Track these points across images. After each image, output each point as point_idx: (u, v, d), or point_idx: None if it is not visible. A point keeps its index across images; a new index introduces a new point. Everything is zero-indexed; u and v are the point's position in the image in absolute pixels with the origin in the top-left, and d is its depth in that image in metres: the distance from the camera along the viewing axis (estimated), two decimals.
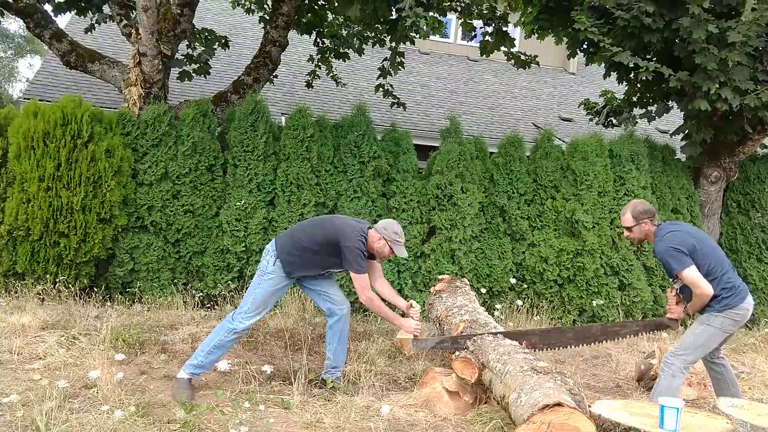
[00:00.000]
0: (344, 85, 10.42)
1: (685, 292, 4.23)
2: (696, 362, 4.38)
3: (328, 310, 4.57)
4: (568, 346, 4.74)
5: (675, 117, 11.43)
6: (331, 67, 9.80)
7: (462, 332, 4.58)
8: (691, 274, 4.01)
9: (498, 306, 6.89)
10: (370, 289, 4.34)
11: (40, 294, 6.00)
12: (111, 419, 3.63)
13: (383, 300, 4.48)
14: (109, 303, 6.29)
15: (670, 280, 4.30)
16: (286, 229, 6.43)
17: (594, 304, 7.12)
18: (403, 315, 4.60)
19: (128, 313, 5.94)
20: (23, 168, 6.07)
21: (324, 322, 6.14)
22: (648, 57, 7.77)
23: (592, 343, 4.79)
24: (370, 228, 4.39)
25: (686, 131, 8.12)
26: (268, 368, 4.46)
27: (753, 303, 4.15)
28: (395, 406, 4.20)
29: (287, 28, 8.04)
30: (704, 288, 4.01)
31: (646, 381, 5.22)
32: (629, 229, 4.29)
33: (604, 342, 4.75)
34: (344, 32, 9.34)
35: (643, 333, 4.80)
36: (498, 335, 4.35)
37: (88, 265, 6.28)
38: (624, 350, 6.17)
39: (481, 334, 4.38)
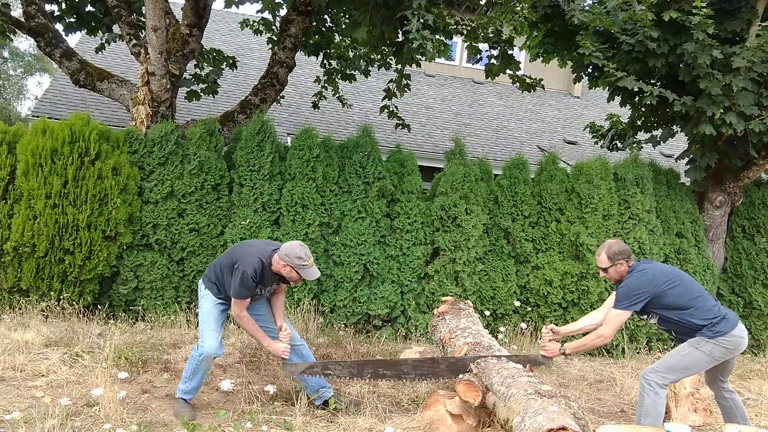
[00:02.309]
0: (350, 106, 10.49)
1: (664, 323, 4.19)
2: (676, 382, 4.35)
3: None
4: (441, 378, 4.64)
5: (679, 141, 11.46)
6: (338, 88, 9.88)
7: (466, 354, 4.56)
8: (617, 318, 4.05)
9: (502, 329, 6.87)
10: (245, 311, 4.19)
11: (44, 311, 6.01)
12: None
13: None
14: (112, 321, 6.28)
15: (642, 317, 4.27)
16: None
17: None
18: None
19: (131, 331, 5.94)
20: (31, 185, 6.11)
21: (326, 342, 6.14)
22: (652, 81, 7.82)
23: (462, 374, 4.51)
24: (276, 251, 4.21)
25: (691, 155, 8.14)
26: (271, 388, 4.44)
27: (746, 332, 4.11)
28: (398, 429, 4.17)
29: (295, 49, 8.11)
30: (607, 334, 4.05)
31: None
32: (605, 270, 4.25)
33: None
34: (351, 54, 9.42)
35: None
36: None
37: (92, 282, 6.29)
38: (628, 374, 6.13)
39: (337, 363, 4.51)
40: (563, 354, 4.24)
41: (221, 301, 4.32)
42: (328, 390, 4.56)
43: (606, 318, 4.15)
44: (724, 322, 4.01)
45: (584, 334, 4.32)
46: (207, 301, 4.33)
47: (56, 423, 3.70)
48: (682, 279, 4.17)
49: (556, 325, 4.65)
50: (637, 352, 7.17)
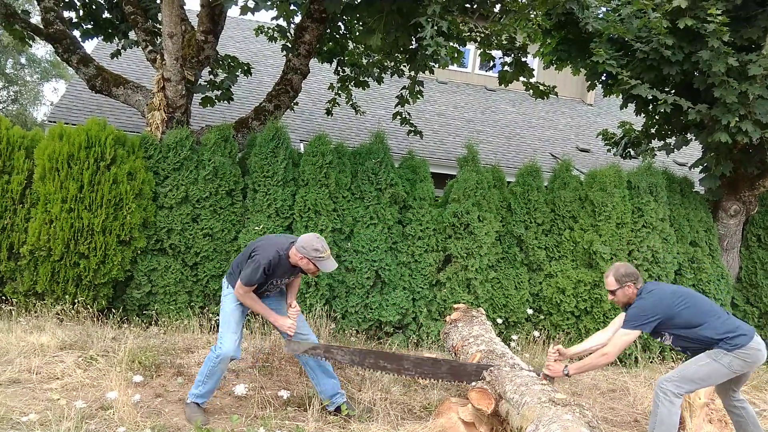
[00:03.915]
0: (363, 113, 10.51)
1: (679, 342, 4.17)
2: (692, 392, 4.33)
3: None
4: (440, 380, 4.67)
5: (693, 150, 11.41)
6: (351, 95, 9.91)
7: (479, 361, 4.56)
8: (625, 338, 4.04)
9: (514, 337, 6.84)
10: (249, 294, 4.28)
11: (59, 314, 6.05)
12: None
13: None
14: (125, 324, 6.32)
15: (657, 338, 4.27)
16: None
17: None
18: None
19: (144, 336, 5.97)
20: (47, 189, 6.16)
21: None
22: (666, 89, 7.78)
23: (464, 382, 4.56)
24: (294, 243, 4.30)
25: (705, 164, 8.09)
26: (285, 393, 4.45)
27: (764, 344, 4.09)
28: None
29: (309, 56, 8.15)
30: (611, 353, 4.02)
31: None
32: (612, 292, 4.26)
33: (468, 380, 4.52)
34: (364, 61, 9.45)
35: None
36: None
37: (106, 286, 6.33)
38: (642, 384, 6.08)
39: (339, 348, 4.54)
40: (566, 375, 4.20)
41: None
42: (342, 396, 4.57)
43: (614, 338, 4.13)
44: (741, 335, 3.99)
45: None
46: (229, 301, 4.39)
47: (71, 425, 3.72)
48: (693, 298, 4.17)
49: (565, 342, 4.64)
50: (651, 362, 7.12)
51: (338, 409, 4.50)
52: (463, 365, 4.53)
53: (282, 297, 4.58)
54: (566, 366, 4.21)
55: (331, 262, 4.29)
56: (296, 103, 9.25)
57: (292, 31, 8.39)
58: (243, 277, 4.21)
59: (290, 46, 8.34)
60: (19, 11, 8.43)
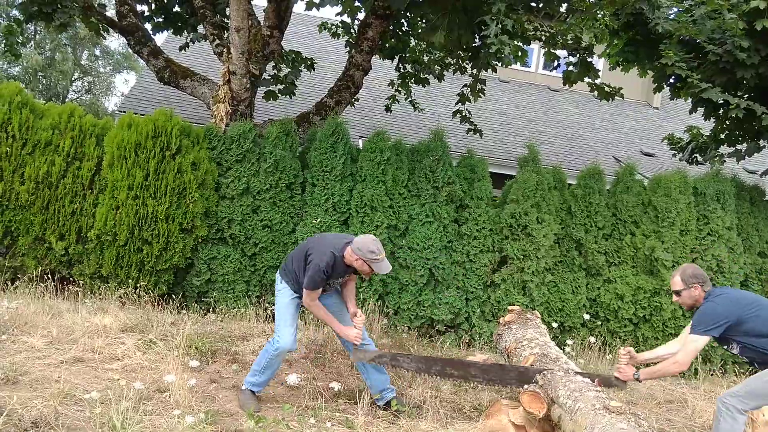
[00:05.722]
0: (422, 110, 10.48)
1: (747, 352, 4.01)
2: (756, 409, 4.16)
3: (348, 348, 4.58)
4: (508, 386, 4.58)
5: (765, 156, 10.95)
6: (410, 92, 9.90)
7: (532, 365, 4.50)
8: (694, 344, 3.92)
9: (569, 342, 6.72)
10: (316, 300, 4.28)
11: (121, 297, 6.26)
12: (181, 424, 3.74)
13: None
14: (184, 311, 6.49)
15: (724, 346, 4.12)
16: None
17: None
18: None
19: (202, 322, 6.12)
20: (115, 176, 6.38)
21: (389, 344, 6.17)
22: (739, 93, 7.49)
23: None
24: (349, 244, 4.28)
25: None
26: (336, 385, 4.49)
27: None
28: None
29: (371, 52, 8.19)
30: (683, 361, 3.91)
31: None
32: (677, 293, 4.13)
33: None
34: (426, 58, 9.43)
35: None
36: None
37: (167, 272, 6.52)
38: (701, 397, 5.87)
39: (406, 356, 4.54)
40: (636, 380, 4.14)
41: (297, 295, 4.40)
42: (392, 392, 4.58)
43: (684, 346, 4.01)
44: None
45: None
46: (284, 296, 4.42)
47: (130, 405, 3.84)
48: (765, 307, 3.99)
49: (634, 348, 4.54)
50: (711, 374, 6.88)
51: (388, 405, 4.51)
52: (531, 369, 4.42)
53: (340, 299, 4.56)
54: (637, 371, 4.13)
55: (386, 264, 4.27)
56: (357, 99, 9.31)
57: (355, 28, 8.45)
58: (308, 284, 4.21)
59: (353, 42, 8.39)
60: (96, 4, 8.75)
